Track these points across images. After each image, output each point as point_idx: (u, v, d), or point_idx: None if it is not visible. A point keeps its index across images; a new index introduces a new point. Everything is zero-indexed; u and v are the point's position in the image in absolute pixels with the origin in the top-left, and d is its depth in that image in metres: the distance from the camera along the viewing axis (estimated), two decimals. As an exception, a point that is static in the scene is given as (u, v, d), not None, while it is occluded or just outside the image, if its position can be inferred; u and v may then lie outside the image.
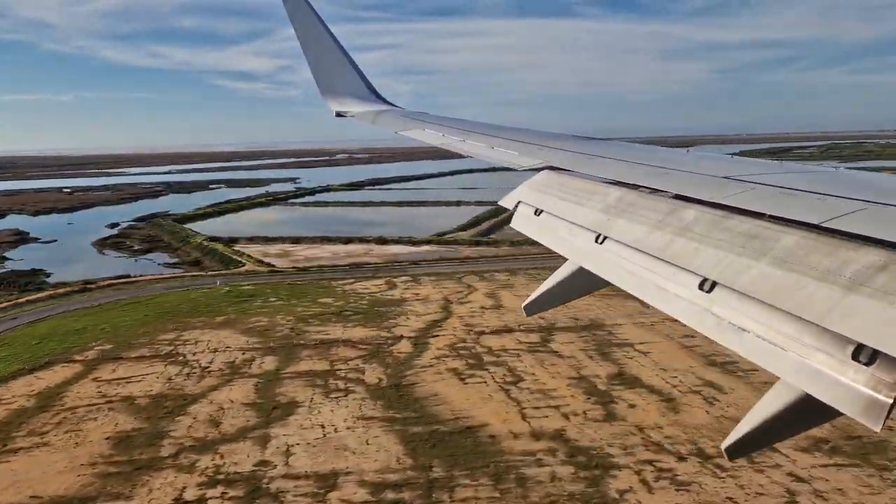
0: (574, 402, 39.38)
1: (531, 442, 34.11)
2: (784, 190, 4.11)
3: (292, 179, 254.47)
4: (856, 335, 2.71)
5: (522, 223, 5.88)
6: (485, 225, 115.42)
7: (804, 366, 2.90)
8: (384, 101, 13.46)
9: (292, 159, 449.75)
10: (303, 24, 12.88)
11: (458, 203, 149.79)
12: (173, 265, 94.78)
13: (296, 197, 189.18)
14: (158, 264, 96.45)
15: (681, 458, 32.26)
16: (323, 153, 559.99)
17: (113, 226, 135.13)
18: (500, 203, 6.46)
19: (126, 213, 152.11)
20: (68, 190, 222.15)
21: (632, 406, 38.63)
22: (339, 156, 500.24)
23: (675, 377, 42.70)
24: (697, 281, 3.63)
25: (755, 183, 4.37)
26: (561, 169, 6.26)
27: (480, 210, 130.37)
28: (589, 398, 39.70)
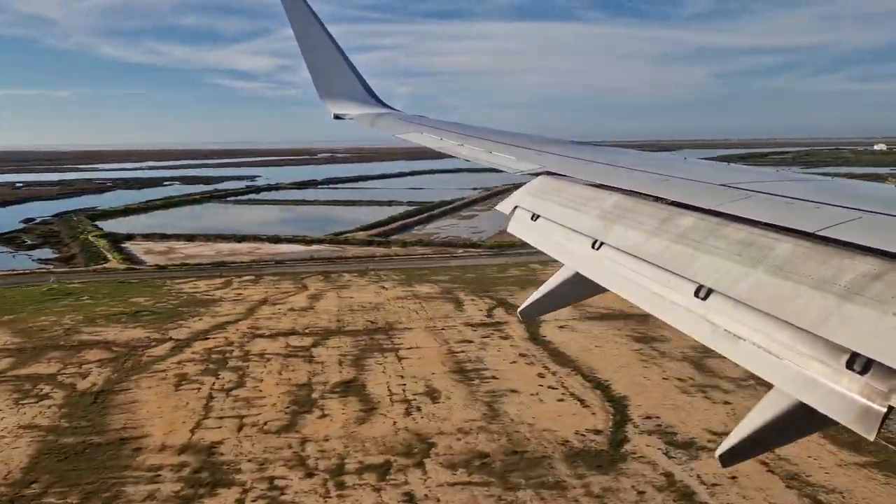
0: (269, 412, 36.56)
1: (170, 456, 31.56)
2: (780, 198, 4.12)
3: (251, 177, 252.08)
4: (850, 344, 2.72)
5: (519, 228, 5.87)
6: (395, 224, 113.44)
7: (799, 374, 2.92)
8: (382, 103, 13.47)
9: (270, 157, 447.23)
10: (301, 25, 12.89)
11: (391, 203, 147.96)
12: (46, 261, 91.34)
13: (240, 194, 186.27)
14: (34, 260, 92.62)
15: (309, 475, 29.37)
16: (307, 152, 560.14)
17: (27, 221, 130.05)
18: (497, 208, 6.44)
19: (54, 209, 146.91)
20: (21, 185, 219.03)
21: (324, 416, 35.93)
22: (320, 155, 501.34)
23: (404, 384, 40.41)
24: (693, 288, 3.64)
25: (752, 191, 4.37)
26: (558, 174, 6.26)
27: (405, 209, 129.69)
28: (289, 408, 37.02)
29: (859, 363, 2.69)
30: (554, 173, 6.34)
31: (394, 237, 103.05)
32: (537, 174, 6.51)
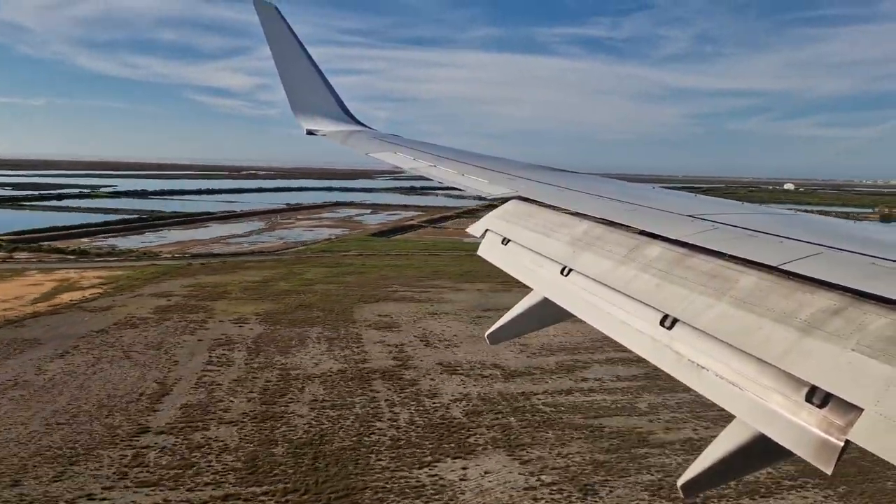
0: None
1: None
2: (745, 230, 4.18)
3: (98, 187, 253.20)
4: (810, 378, 2.75)
5: (489, 252, 5.86)
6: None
7: (759, 406, 2.94)
8: (357, 121, 13.42)
9: (201, 172, 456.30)
10: (278, 41, 12.80)
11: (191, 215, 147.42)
12: None
13: (39, 200, 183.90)
14: None
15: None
16: (239, 168, 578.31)
17: None
18: (468, 230, 6.44)
19: None
20: None
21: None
22: (244, 172, 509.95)
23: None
24: (659, 317, 3.67)
25: (717, 222, 4.44)
26: (530, 199, 6.28)
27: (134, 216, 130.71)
28: None
29: (818, 396, 2.72)
30: (526, 198, 6.37)
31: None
32: (509, 199, 6.54)
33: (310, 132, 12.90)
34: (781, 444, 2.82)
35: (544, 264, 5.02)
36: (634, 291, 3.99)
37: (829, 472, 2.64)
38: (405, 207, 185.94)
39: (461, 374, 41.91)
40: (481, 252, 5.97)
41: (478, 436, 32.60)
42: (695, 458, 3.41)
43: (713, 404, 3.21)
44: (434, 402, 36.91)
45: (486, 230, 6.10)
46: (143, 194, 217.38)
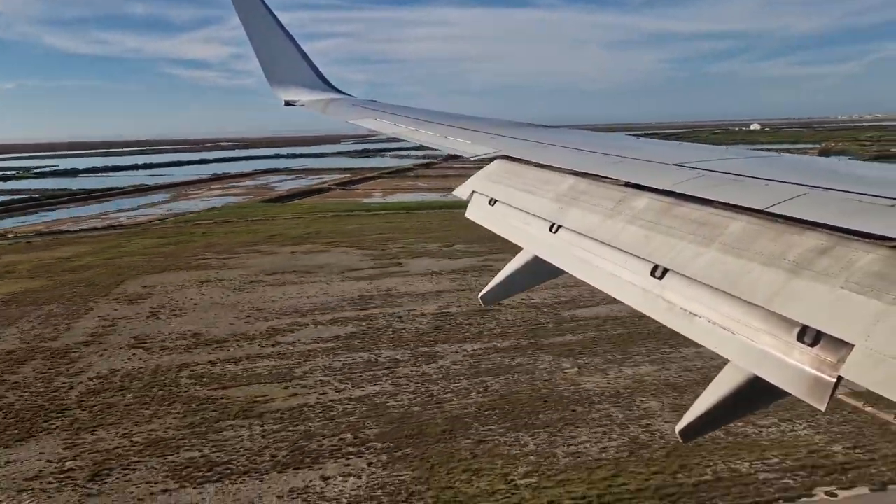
0: None
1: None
2: (731, 176, 4.19)
3: (31, 168, 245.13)
4: (800, 317, 2.78)
5: (477, 213, 5.84)
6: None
7: (752, 348, 2.98)
8: (335, 89, 13.22)
9: (145, 148, 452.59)
10: (247, 11, 12.54)
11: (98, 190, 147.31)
12: None
13: None
14: None
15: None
16: (210, 141, 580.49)
17: None
18: (454, 193, 6.39)
19: None
20: None
21: None
22: (208, 144, 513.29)
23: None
24: (649, 268, 3.69)
25: (704, 169, 4.44)
26: (515, 158, 6.24)
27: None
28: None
29: (809, 336, 2.75)
30: (510, 157, 6.33)
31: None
32: (493, 158, 6.50)
33: (288, 103, 12.74)
34: (775, 384, 2.87)
35: (532, 222, 5.02)
36: (623, 244, 4.00)
37: (822, 408, 2.69)
38: (339, 170, 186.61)
39: (146, 347, 40.59)
40: (469, 214, 5.95)
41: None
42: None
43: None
44: (67, 381, 34.96)
45: (473, 192, 6.07)
46: (73, 173, 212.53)
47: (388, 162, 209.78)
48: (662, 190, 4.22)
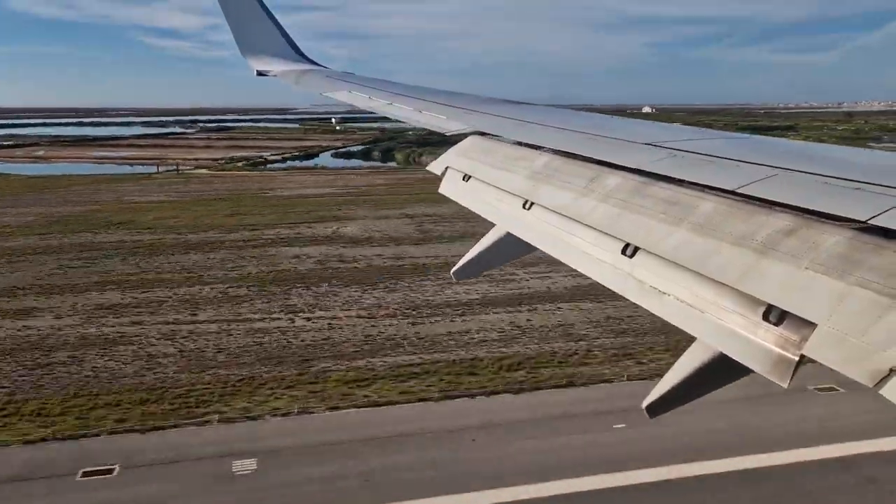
0: None
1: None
2: (703, 156, 4.21)
3: None
4: (766, 297, 2.82)
5: (451, 189, 5.82)
6: None
7: (720, 327, 3.02)
8: (309, 60, 13.01)
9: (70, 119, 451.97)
10: None
11: None
12: None
13: None
14: None
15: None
16: (187, 112, 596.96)
17: None
18: (428, 168, 6.34)
19: None
20: None
21: None
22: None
23: None
24: (620, 246, 3.71)
25: (676, 149, 4.46)
26: (489, 134, 6.21)
27: None
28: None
29: (774, 315, 2.80)
30: (485, 133, 6.29)
31: None
32: (468, 134, 6.46)
33: (260, 73, 12.52)
34: (741, 361, 2.92)
35: (505, 199, 5.01)
36: (595, 222, 4.02)
37: (785, 385, 2.73)
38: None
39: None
40: (443, 190, 5.92)
41: None
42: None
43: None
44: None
45: (447, 167, 6.03)
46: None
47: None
48: (635, 169, 4.23)
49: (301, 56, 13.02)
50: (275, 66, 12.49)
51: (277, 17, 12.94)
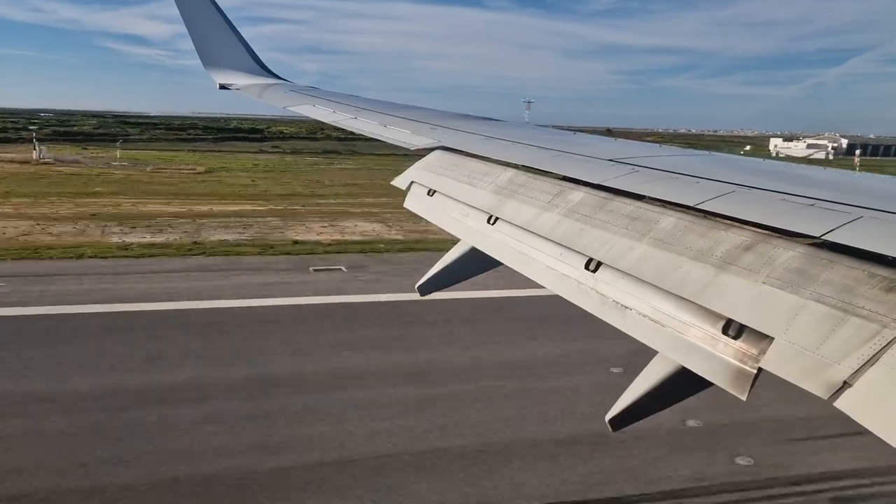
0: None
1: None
2: (665, 172, 4.28)
3: None
4: (725, 311, 2.87)
5: (415, 204, 5.81)
6: None
7: (681, 340, 3.06)
8: (273, 74, 12.97)
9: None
10: None
11: None
12: None
13: None
14: None
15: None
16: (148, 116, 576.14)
17: None
18: (393, 183, 6.31)
19: None
20: None
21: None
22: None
23: None
24: (584, 261, 3.75)
25: (638, 165, 4.53)
26: (455, 149, 6.24)
27: None
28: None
29: (733, 329, 2.84)
30: (450, 148, 6.31)
31: None
32: (434, 149, 6.46)
33: (223, 86, 12.39)
34: (701, 374, 2.96)
35: (470, 213, 5.02)
36: (559, 237, 4.05)
37: (743, 398, 2.77)
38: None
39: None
40: (407, 204, 5.90)
41: None
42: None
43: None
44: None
45: (412, 182, 6.02)
46: None
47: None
48: (598, 185, 4.28)
49: (264, 70, 12.96)
50: (237, 80, 12.40)
51: (248, 28, 12.95)
